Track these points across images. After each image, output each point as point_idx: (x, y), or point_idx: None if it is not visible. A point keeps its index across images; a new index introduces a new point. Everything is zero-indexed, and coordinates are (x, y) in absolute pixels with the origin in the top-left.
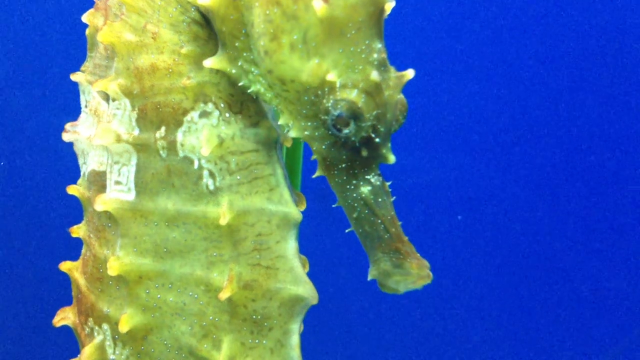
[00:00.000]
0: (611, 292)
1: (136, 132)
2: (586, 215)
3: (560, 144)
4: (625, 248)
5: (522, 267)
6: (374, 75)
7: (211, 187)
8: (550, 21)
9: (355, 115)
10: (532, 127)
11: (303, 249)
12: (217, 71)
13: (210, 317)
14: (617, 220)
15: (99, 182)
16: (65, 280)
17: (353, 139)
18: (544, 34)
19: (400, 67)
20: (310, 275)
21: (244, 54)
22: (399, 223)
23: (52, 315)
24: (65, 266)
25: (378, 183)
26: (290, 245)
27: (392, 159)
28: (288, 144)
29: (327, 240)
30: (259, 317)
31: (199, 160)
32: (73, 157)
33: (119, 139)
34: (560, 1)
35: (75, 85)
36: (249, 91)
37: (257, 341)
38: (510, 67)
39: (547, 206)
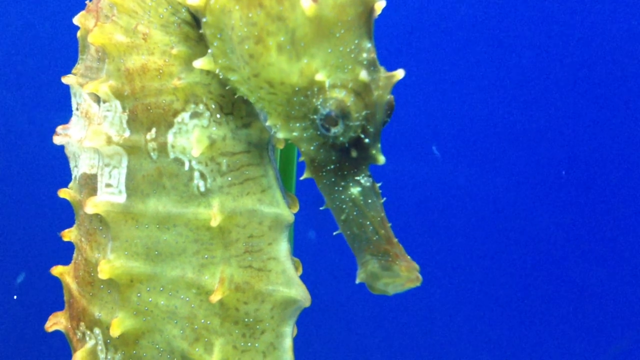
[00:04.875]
0: (610, 293)
1: (127, 133)
2: (583, 216)
3: (557, 145)
4: (625, 249)
5: (517, 267)
6: (363, 75)
7: (202, 189)
8: (549, 22)
9: (344, 114)
10: (527, 129)
11: (296, 252)
12: (208, 72)
13: (202, 320)
14: (615, 221)
15: (90, 185)
16: (57, 284)
17: (342, 139)
18: (541, 36)
19: (392, 68)
20: (303, 277)
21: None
22: (389, 224)
23: (44, 320)
24: (56, 270)
25: (368, 184)
26: (282, 247)
27: (381, 159)
28: (280, 146)
29: (320, 242)
30: (251, 319)
31: (190, 161)
32: (64, 160)
33: (109, 141)
34: (558, 2)
35: (66, 88)
36: (236, 96)
37: (249, 344)
38: (506, 68)
39: (543, 206)
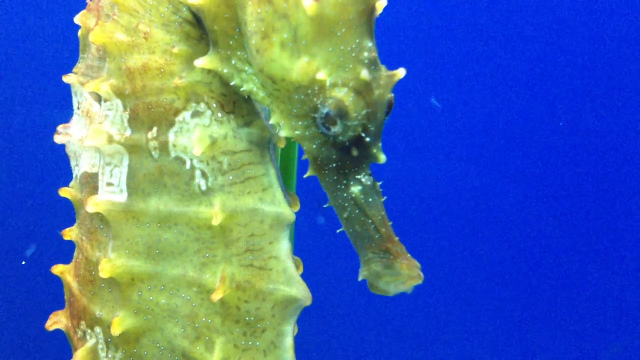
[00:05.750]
0: (610, 292)
1: (128, 132)
2: (581, 216)
3: (557, 145)
4: (624, 249)
5: (518, 265)
6: (364, 74)
7: (203, 188)
8: (550, 24)
9: (341, 113)
10: (527, 129)
11: (297, 250)
12: (209, 71)
13: (203, 319)
14: (614, 221)
15: (91, 184)
16: (57, 283)
17: (341, 138)
18: (542, 37)
19: (394, 67)
20: (304, 276)
21: (238, 53)
22: (390, 223)
23: (45, 319)
24: (57, 269)
25: (369, 183)
26: (283, 246)
27: (382, 158)
28: (281, 145)
29: (322, 241)
30: (252, 318)
31: (191, 160)
32: (65, 159)
33: (110, 140)
34: (559, 4)
35: (67, 87)
36: (240, 90)
37: (250, 343)
38: (507, 68)
39: (543, 205)
